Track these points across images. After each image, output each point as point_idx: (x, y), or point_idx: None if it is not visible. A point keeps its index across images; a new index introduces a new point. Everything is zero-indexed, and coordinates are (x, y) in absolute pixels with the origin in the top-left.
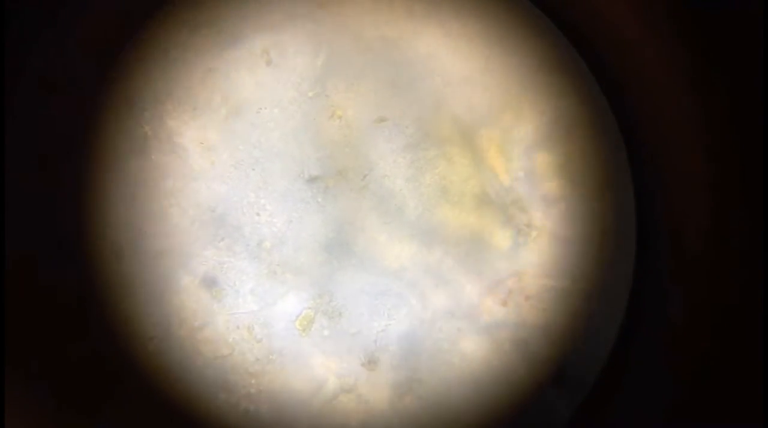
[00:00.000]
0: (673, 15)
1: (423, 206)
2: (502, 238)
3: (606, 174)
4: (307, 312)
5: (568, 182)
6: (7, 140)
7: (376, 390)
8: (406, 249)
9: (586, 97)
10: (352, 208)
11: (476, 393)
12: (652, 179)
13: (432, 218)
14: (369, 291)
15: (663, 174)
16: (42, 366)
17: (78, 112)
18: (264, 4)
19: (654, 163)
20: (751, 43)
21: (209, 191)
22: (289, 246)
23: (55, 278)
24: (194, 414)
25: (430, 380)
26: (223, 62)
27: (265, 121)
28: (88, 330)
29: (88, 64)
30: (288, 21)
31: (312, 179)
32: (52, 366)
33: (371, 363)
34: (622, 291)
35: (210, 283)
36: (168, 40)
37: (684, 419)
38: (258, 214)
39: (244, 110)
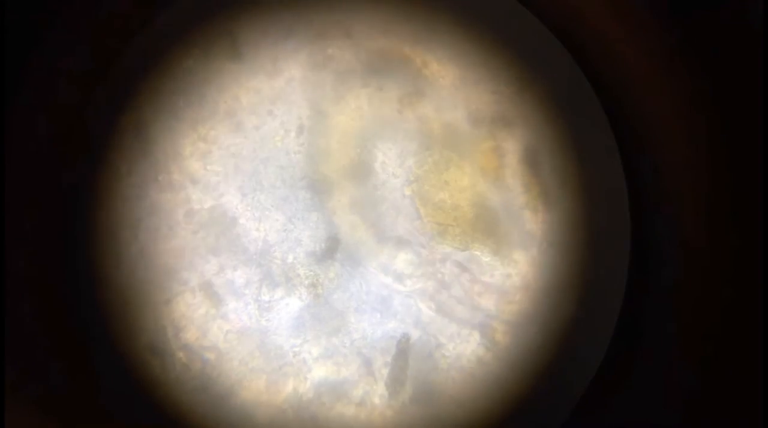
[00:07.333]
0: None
1: (420, 213)
2: (498, 244)
3: (601, 180)
4: (305, 317)
5: (564, 189)
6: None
7: (374, 391)
8: (403, 255)
9: (582, 105)
10: (351, 216)
11: (474, 395)
12: (647, 184)
13: (429, 225)
14: (366, 296)
15: (659, 180)
16: (38, 369)
17: (82, 112)
18: (267, 20)
19: (648, 166)
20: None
21: (208, 200)
22: (287, 253)
23: (55, 280)
24: (194, 415)
25: (426, 381)
26: (227, 75)
27: (265, 132)
28: (86, 335)
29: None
30: (291, 37)
31: (311, 188)
32: (49, 369)
33: (369, 365)
34: (618, 294)
35: (207, 289)
36: (172, 57)
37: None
38: (256, 222)
39: (245, 122)
